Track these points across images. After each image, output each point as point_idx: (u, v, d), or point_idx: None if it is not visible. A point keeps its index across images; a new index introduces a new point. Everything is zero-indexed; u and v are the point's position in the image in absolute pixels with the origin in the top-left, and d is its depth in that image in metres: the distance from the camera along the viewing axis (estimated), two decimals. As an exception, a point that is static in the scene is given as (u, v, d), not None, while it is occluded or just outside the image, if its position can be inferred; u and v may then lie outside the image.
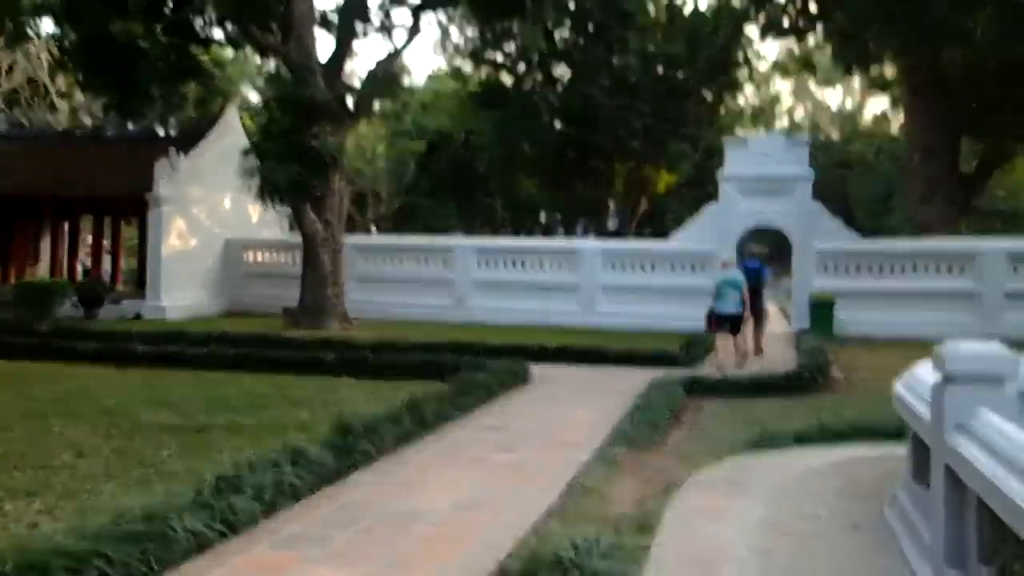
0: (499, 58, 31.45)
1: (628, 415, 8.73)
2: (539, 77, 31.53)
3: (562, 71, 31.62)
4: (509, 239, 26.67)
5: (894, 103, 42.57)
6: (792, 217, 19.57)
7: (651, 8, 31.16)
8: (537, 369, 11.96)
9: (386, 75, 19.69)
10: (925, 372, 5.98)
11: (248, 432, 7.82)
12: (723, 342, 12.94)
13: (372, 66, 19.62)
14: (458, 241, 23.03)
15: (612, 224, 36.59)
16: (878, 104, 58.46)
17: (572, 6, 28.16)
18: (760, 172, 19.73)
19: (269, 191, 17.82)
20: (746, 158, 20.03)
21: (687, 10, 30.48)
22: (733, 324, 12.91)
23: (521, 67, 31.69)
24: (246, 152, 18.39)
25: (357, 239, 23.88)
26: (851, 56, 21.80)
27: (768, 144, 20.19)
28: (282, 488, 5.39)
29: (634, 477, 6.94)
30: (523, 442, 7.74)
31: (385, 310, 21.43)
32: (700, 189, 45.76)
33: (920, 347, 16.82)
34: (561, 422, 8.72)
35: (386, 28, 20.25)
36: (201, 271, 22.60)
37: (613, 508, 5.60)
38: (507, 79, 32.38)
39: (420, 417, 7.83)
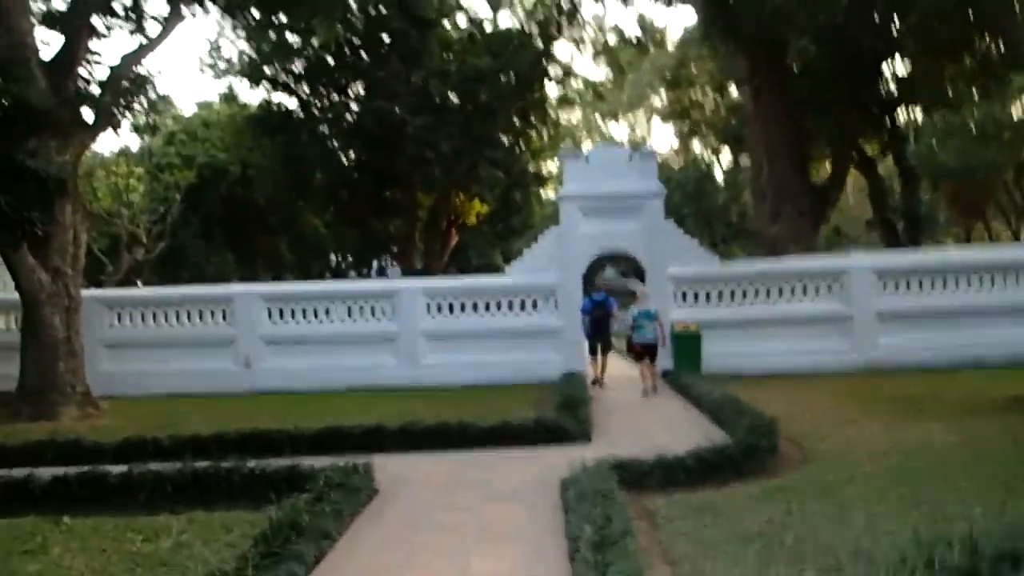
0: (281, 76, 26.94)
1: (582, 563, 5.02)
2: (331, 96, 27.30)
3: (356, 90, 27.61)
4: (306, 283, 22.22)
5: (691, 132, 42.50)
6: (643, 239, 16.88)
7: (448, 23, 28.12)
8: (378, 465, 7.98)
9: (135, 76, 14.92)
10: None
11: None
12: (643, 369, 14.10)
13: (117, 63, 14.81)
14: (240, 289, 18.36)
15: (418, 263, 32.87)
16: (664, 138, 59.44)
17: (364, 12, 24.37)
18: (604, 190, 16.93)
19: (-38, 229, 12.55)
20: (586, 174, 17.18)
21: (489, 26, 27.65)
22: (651, 353, 13.99)
23: (306, 88, 27.37)
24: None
25: (104, 293, 18.59)
26: (717, 34, 19.36)
27: (610, 157, 17.42)
28: None
29: None
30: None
31: (146, 384, 16.45)
32: (504, 223, 43.27)
33: (799, 381, 14.69)
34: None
35: (134, 18, 15.49)
36: None
37: None
38: (291, 102, 27.94)
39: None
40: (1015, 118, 27.61)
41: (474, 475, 7.98)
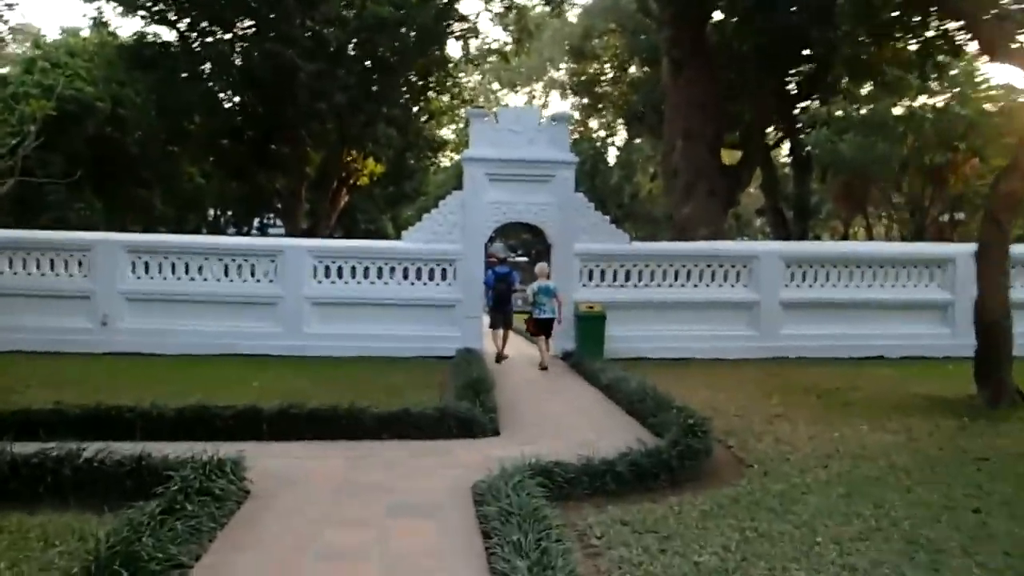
0: (158, 4, 24.29)
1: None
2: (215, 33, 24.85)
3: (243, 29, 25.25)
4: (175, 236, 20.16)
5: (591, 108, 41.82)
6: (552, 211, 15.85)
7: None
8: (251, 456, 6.60)
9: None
10: None
11: None
12: (541, 344, 14.20)
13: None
14: (100, 236, 16.27)
15: (304, 223, 30.80)
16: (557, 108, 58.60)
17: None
18: (513, 154, 15.75)
19: None
20: (495, 136, 15.90)
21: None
22: (547, 328, 14.22)
23: (187, 21, 24.82)
24: None
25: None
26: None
27: (521, 119, 16.18)
28: None
29: None
30: None
31: (-17, 340, 14.28)
32: (396, 187, 41.38)
33: (707, 368, 14.06)
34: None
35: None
36: None
37: None
38: (169, 35, 25.35)
39: None
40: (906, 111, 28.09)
41: (371, 476, 6.72)
